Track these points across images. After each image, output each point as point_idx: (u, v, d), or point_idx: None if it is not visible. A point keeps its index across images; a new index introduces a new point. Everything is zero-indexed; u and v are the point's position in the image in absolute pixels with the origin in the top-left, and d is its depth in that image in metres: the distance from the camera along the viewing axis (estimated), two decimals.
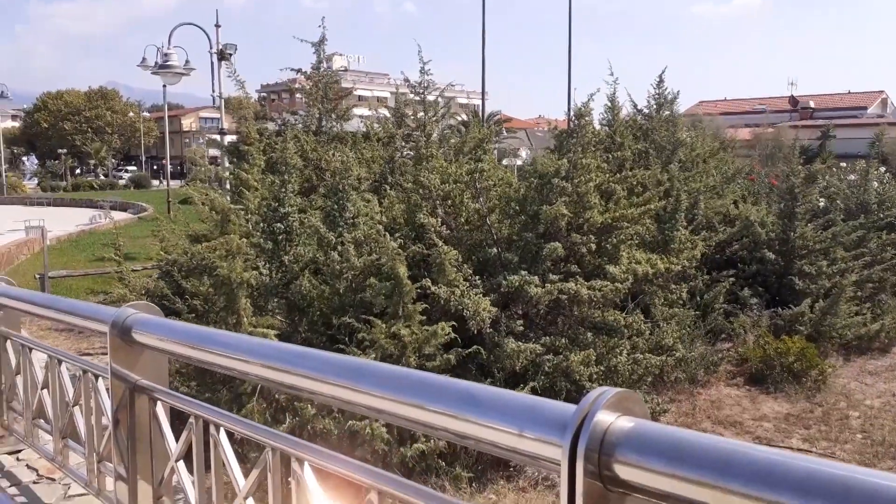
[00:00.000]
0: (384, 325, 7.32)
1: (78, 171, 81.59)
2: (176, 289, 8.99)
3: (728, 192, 13.44)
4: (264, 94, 55.53)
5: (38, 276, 15.98)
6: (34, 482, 2.87)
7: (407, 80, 14.09)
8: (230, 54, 18.53)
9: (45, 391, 2.80)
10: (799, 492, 0.77)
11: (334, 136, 13.79)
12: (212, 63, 18.28)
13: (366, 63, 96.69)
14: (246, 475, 1.75)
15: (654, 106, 13.38)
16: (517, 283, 7.79)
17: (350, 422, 6.79)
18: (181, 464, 2.03)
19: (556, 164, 8.58)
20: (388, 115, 15.03)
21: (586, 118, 9.57)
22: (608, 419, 0.96)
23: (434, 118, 13.38)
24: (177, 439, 2.02)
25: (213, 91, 17.66)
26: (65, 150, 78.94)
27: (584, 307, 8.17)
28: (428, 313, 7.61)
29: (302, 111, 15.65)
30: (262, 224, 8.89)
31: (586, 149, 9.07)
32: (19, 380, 3.09)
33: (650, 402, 8.09)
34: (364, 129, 14.37)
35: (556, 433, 0.98)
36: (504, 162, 26.41)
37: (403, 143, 12.79)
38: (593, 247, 8.53)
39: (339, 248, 8.00)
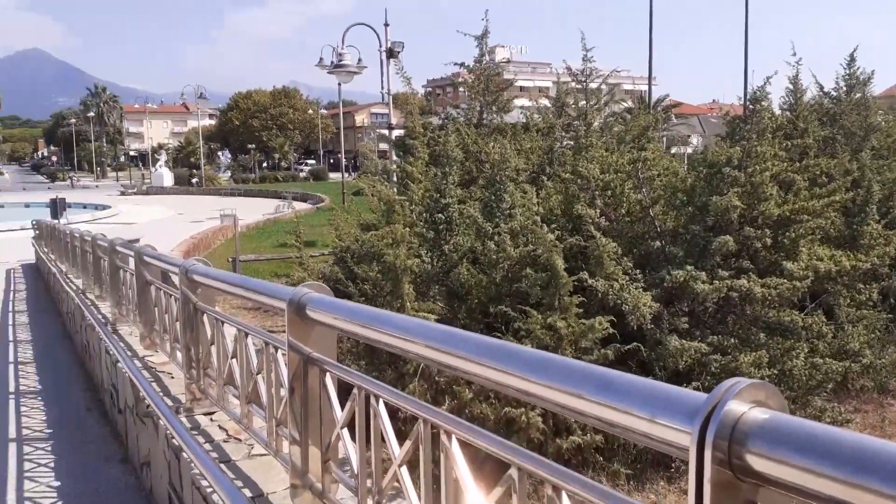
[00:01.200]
0: (540, 316, 7.35)
1: (264, 164, 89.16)
2: (349, 273, 9.59)
3: None
4: (430, 89, 57.31)
5: (230, 260, 17.80)
6: (224, 441, 3.27)
7: (569, 68, 13.92)
8: (398, 52, 19.36)
9: (234, 360, 3.18)
10: None
11: (494, 127, 13.97)
12: (381, 61, 19.21)
13: (528, 53, 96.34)
14: (401, 445, 1.90)
15: (844, 88, 12.15)
16: (682, 279, 7.47)
17: (507, 408, 6.93)
18: (345, 431, 2.24)
19: (728, 152, 8.10)
20: (549, 104, 14.95)
21: (763, 103, 8.93)
22: (740, 409, 0.95)
23: (596, 106, 13.11)
24: (342, 408, 2.23)
25: (382, 88, 18.55)
26: (253, 146, 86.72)
27: (756, 306, 7.66)
28: (585, 306, 7.52)
29: (464, 104, 16.02)
30: (424, 214, 9.26)
31: (762, 136, 8.47)
32: (213, 350, 3.53)
33: (830, 410, 7.43)
34: (524, 120, 14.42)
35: (686, 420, 0.99)
36: (672, 150, 25.21)
37: (563, 133, 12.67)
38: (769, 241, 7.96)
39: (496, 238, 8.13)
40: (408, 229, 8.32)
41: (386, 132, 19.01)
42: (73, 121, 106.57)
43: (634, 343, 6.99)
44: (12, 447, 5.56)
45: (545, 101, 15.89)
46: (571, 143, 11.17)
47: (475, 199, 9.60)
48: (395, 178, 11.91)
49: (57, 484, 4.77)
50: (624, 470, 6.68)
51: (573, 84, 13.57)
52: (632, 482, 6.80)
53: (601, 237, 7.62)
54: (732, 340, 7.45)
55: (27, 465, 5.12)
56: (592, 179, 8.45)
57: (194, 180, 64.24)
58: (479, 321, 8.25)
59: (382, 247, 8.14)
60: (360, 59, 22.30)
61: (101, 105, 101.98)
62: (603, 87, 14.58)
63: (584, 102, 12.43)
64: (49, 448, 5.48)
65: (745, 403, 0.96)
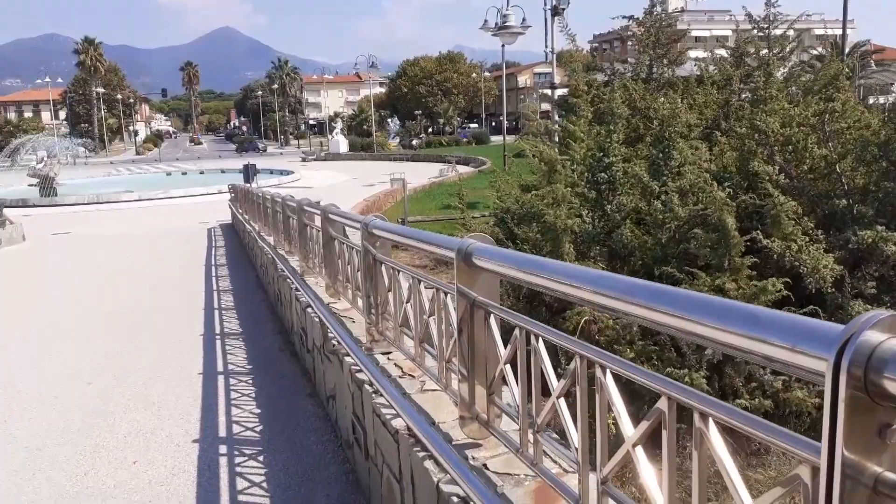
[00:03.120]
0: (708, 278, 7.12)
1: (430, 129, 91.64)
2: (509, 234, 9.82)
3: None
4: (596, 45, 55.43)
5: (399, 220, 18.77)
6: (399, 376, 3.64)
7: (749, 14, 12.94)
8: (563, 8, 18.98)
9: (408, 305, 3.51)
10: None
11: (665, 82, 13.36)
12: (545, 19, 18.96)
13: (705, 1, 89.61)
14: (558, 380, 2.07)
15: None
16: (871, 240, 6.87)
17: (669, 368, 6.85)
18: (508, 367, 2.45)
19: None
20: (726, 55, 14.01)
21: None
22: (878, 338, 1.01)
23: (780, 55, 12.11)
24: (505, 347, 2.44)
25: (546, 47, 18.35)
26: (419, 112, 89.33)
27: None
28: (758, 268, 7.16)
29: (632, 59, 15.43)
30: (586, 174, 9.20)
31: None
32: (390, 296, 3.89)
33: None
34: (697, 73, 13.65)
35: (824, 348, 1.07)
36: (870, 101, 22.59)
37: (742, 86, 11.86)
38: None
39: (663, 197, 7.92)
40: (569, 189, 8.34)
41: (548, 92, 18.84)
42: (260, 93, 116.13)
43: (812, 307, 6.57)
44: (221, 378, 6.46)
45: (722, 52, 14.89)
46: (750, 95, 10.46)
47: (641, 157, 9.35)
48: (556, 139, 11.87)
49: (258, 411, 5.51)
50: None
51: (755, 32, 12.61)
52: None
53: (779, 195, 7.17)
54: None
55: (233, 394, 5.95)
56: (771, 134, 7.92)
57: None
58: None
59: (543, 207, 8.24)
60: (524, 19, 22.17)
61: (284, 77, 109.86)
62: (789, 32, 13.40)
63: (766, 51, 11.54)
64: (250, 381, 6.31)
65: (884, 333, 1.02)
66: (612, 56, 25.99)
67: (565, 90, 15.81)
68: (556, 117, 14.97)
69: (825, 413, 1.06)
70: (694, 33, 47.02)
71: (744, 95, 11.09)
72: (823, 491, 1.08)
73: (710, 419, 1.44)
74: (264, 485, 4.18)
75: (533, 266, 2.21)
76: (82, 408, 5.79)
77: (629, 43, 18.30)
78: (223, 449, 4.78)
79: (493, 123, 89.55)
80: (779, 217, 7.05)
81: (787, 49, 12.51)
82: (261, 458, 4.58)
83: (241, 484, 4.20)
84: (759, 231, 7.05)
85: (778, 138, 7.83)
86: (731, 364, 6.85)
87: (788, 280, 6.72)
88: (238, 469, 4.41)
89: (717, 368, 6.78)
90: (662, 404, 1.59)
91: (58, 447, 4.97)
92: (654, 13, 14.47)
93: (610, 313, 1.93)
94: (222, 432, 5.09)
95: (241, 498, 4.03)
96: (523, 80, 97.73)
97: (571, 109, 11.25)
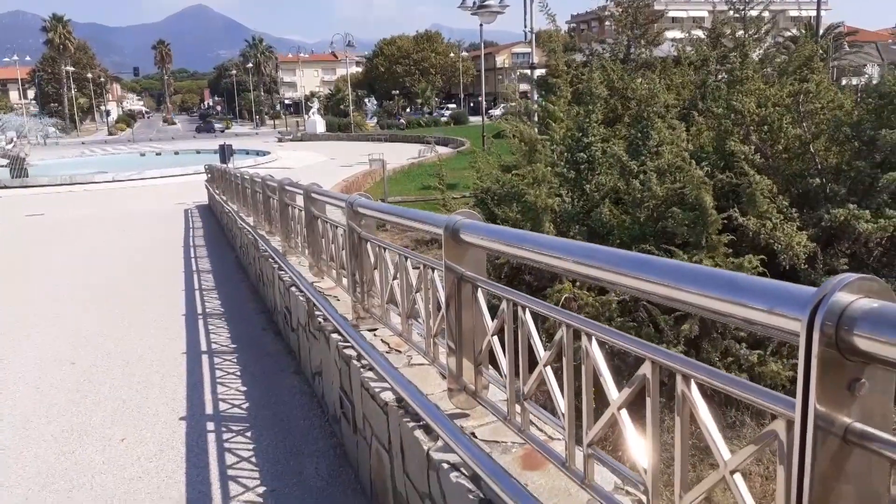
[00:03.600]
0: (686, 256, 7.26)
1: (407, 109, 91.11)
2: (489, 215, 9.87)
3: None
4: (574, 25, 55.40)
5: (379, 200, 18.73)
6: (386, 352, 3.71)
7: None
8: None
9: (395, 282, 3.57)
10: None
11: (642, 63, 13.46)
12: None
13: None
14: (545, 349, 2.15)
15: None
16: (843, 217, 7.05)
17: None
18: (496, 339, 2.52)
19: None
20: (703, 35, 14.13)
21: None
22: (847, 299, 1.09)
23: (755, 36, 12.25)
24: (492, 320, 2.51)
25: (525, 26, 18.33)
26: (397, 92, 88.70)
27: None
28: (734, 246, 7.31)
29: (611, 39, 15.49)
30: (566, 154, 9.28)
31: None
32: (376, 274, 3.94)
33: None
34: (675, 54, 13.76)
35: (798, 309, 1.15)
36: (843, 82, 22.90)
37: (718, 66, 11.99)
38: None
39: (641, 176, 8.03)
40: (549, 169, 8.42)
41: (528, 72, 18.85)
42: (234, 72, 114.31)
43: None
44: (205, 358, 6.49)
45: (698, 32, 15.02)
46: (726, 76, 10.59)
47: (619, 137, 9.44)
48: (536, 119, 11.92)
49: (244, 389, 5.56)
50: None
51: (731, 13, 12.73)
52: None
53: (755, 175, 7.31)
54: None
55: (218, 373, 5.98)
56: (747, 114, 8.05)
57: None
58: None
59: (523, 187, 8.31)
60: None
61: (259, 56, 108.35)
62: (765, 14, 13.54)
63: (742, 32, 11.66)
64: (234, 360, 6.34)
65: (853, 294, 1.10)
66: (591, 36, 26.03)
67: (544, 70, 15.83)
68: (536, 97, 15.00)
69: (799, 370, 1.15)
70: (671, 14, 47.18)
71: (720, 76, 11.23)
72: (798, 442, 1.17)
73: (693, 381, 1.53)
74: (253, 459, 4.25)
75: (520, 240, 2.29)
76: (67, 387, 5.79)
77: (607, 23, 18.34)
78: (210, 426, 4.83)
79: (472, 104, 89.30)
80: (754, 195, 7.20)
81: (763, 30, 12.64)
82: (248, 433, 4.64)
83: (229, 459, 4.26)
84: (735, 209, 7.20)
85: (754, 118, 7.96)
86: (707, 339, 7.04)
87: (764, 257, 6.88)
88: (226, 445, 4.47)
89: (693, 343, 6.96)
90: (646, 368, 1.67)
91: (44, 426, 4.98)
92: None
93: (595, 283, 2.02)
94: (209, 409, 5.13)
95: (231, 472, 4.09)
96: (501, 60, 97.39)
97: (551, 89, 11.30)
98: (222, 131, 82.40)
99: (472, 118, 74.45)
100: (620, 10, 14.53)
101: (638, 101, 9.51)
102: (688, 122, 9.46)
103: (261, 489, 3.89)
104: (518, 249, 2.25)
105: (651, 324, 7.29)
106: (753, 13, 12.66)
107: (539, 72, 18.69)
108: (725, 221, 7.16)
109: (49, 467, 4.31)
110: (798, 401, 1.16)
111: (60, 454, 4.50)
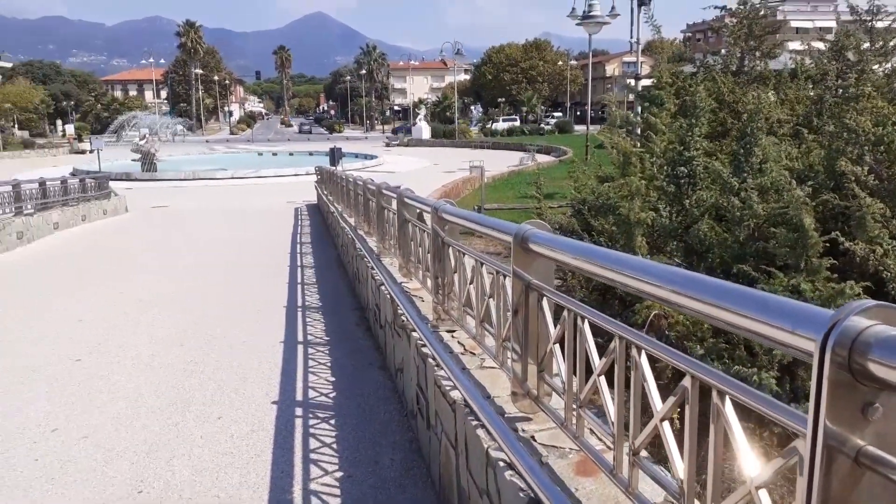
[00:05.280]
0: (784, 278, 6.97)
1: (512, 115, 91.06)
2: (585, 226, 9.81)
3: None
4: (689, 35, 53.59)
5: (475, 208, 18.94)
6: (461, 353, 3.85)
7: (851, 6, 12.33)
8: None
9: (471, 286, 3.71)
10: None
11: (756, 75, 12.94)
12: (631, 9, 18.60)
13: None
14: (600, 358, 2.23)
15: None
16: None
17: (736, 367, 6.78)
18: (556, 347, 2.61)
19: None
20: (823, 48, 13.40)
21: None
22: (863, 324, 1.13)
23: (882, 50, 11.52)
24: (555, 328, 2.60)
25: (631, 37, 18.03)
26: (503, 100, 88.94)
27: None
28: (840, 271, 6.95)
29: (724, 50, 14.96)
30: (666, 168, 9.10)
31: None
32: (455, 277, 4.11)
33: None
34: (792, 66, 13.13)
35: (814, 330, 1.20)
36: None
37: (839, 81, 11.37)
38: None
39: (742, 194, 7.78)
40: (644, 182, 8.30)
41: (632, 82, 18.52)
42: (348, 78, 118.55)
43: None
44: (300, 348, 6.89)
45: (818, 44, 14.24)
46: (843, 91, 10.04)
47: (725, 152, 9.15)
48: (638, 131, 11.73)
49: (332, 379, 5.87)
50: None
51: (857, 24, 12.02)
52: None
53: (866, 197, 6.92)
54: None
55: (310, 363, 6.34)
56: (862, 133, 7.62)
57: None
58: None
59: (617, 199, 8.24)
60: (613, 7, 21.80)
61: (372, 63, 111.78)
62: (895, 26, 12.68)
63: (867, 45, 10.99)
64: (326, 351, 6.69)
65: (870, 320, 1.14)
66: (705, 47, 25.14)
67: (650, 81, 15.51)
68: (638, 109, 14.72)
69: (811, 388, 1.20)
70: (795, 24, 44.75)
71: (840, 91, 10.64)
72: (808, 457, 1.21)
73: (727, 396, 1.58)
74: (334, 446, 4.51)
75: (584, 253, 2.37)
76: (174, 367, 6.33)
77: (723, 32, 17.70)
78: (298, 411, 5.15)
79: (578, 112, 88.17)
80: (864, 219, 6.82)
81: (891, 44, 11.86)
82: (332, 421, 4.92)
83: (313, 444, 4.54)
84: (838, 233, 6.85)
85: (869, 137, 7.53)
86: (804, 367, 6.72)
87: (870, 284, 6.51)
88: (311, 430, 4.76)
89: (787, 370, 6.67)
90: (686, 382, 1.73)
91: (153, 399, 5.48)
92: (749, 2, 13.98)
93: (651, 300, 2.08)
94: (299, 396, 5.47)
95: (313, 456, 4.36)
96: (611, 69, 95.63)
97: (654, 101, 11.10)
98: (329, 132, 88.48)
99: (578, 127, 73.49)
100: (735, 20, 14.02)
101: (748, 115, 9.19)
102: (799, 140, 9.06)
103: (338, 474, 4.14)
104: (582, 262, 2.34)
105: (745, 347, 7.05)
106: (881, 25, 11.92)
107: (645, 82, 18.31)
108: (827, 244, 6.82)
109: (155, 437, 4.76)
110: (810, 417, 1.21)
111: (165, 426, 4.95)
